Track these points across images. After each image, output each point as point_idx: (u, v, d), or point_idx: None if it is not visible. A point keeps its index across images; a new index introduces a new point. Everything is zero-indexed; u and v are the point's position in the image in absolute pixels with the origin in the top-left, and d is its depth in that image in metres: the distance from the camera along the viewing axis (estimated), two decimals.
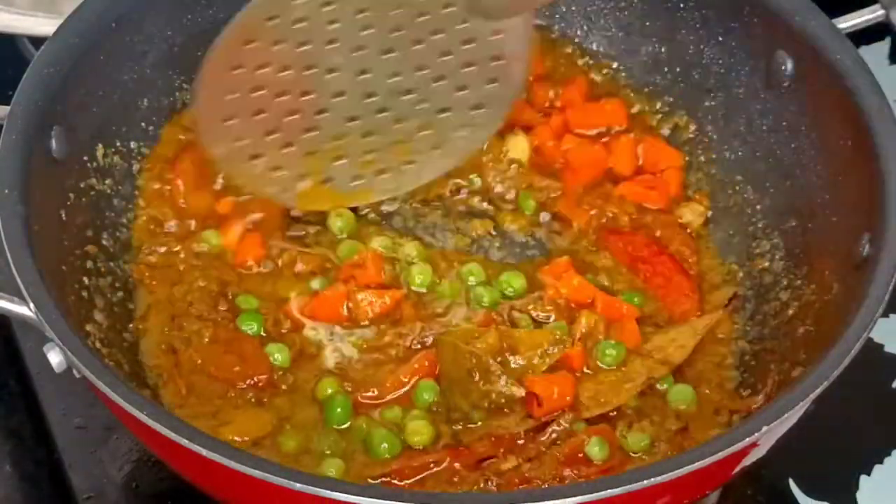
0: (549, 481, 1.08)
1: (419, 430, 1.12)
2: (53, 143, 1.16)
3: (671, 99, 1.34)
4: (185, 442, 0.97)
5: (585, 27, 1.37)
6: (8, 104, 1.14)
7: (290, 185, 1.21)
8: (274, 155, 1.19)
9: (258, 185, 1.22)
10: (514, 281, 1.22)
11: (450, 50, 1.17)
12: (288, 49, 1.15)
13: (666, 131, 1.34)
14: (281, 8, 1.13)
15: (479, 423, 1.12)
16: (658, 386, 1.17)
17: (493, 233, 1.28)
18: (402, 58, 1.17)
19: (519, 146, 1.31)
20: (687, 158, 1.32)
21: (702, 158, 1.32)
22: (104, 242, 1.21)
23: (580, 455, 1.10)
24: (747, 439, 0.98)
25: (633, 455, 1.12)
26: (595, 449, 1.11)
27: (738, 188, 1.29)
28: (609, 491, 0.95)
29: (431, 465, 1.10)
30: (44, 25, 1.36)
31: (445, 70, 1.18)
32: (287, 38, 1.14)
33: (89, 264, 1.18)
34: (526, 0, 1.15)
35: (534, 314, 1.20)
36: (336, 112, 1.19)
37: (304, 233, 1.26)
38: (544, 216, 1.29)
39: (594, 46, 1.37)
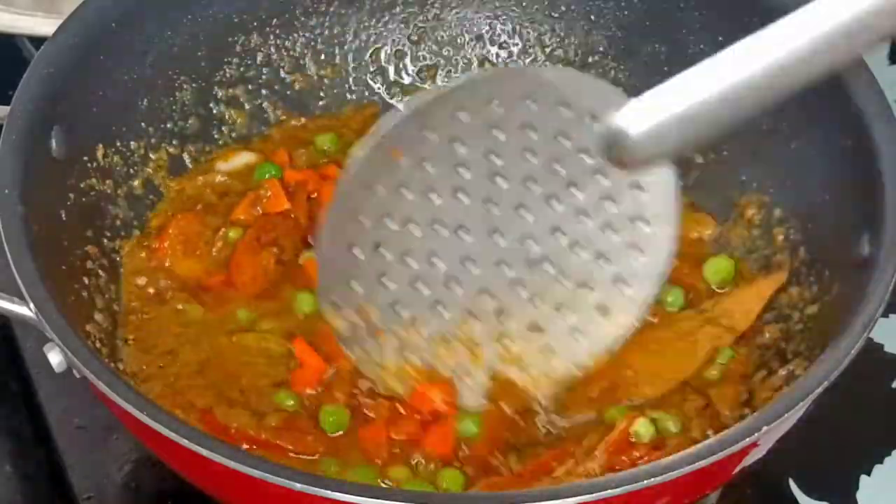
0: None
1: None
2: (53, 143, 1.16)
3: None
4: (185, 442, 0.97)
5: (586, 27, 1.38)
6: (8, 104, 1.14)
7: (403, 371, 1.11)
8: (395, 334, 1.09)
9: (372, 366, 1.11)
10: None
11: (586, 209, 1.06)
12: (411, 197, 1.04)
13: None
14: (407, 144, 1.02)
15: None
16: None
17: None
18: (537, 217, 1.06)
19: None
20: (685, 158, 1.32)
21: (699, 160, 1.32)
22: (104, 242, 1.21)
23: (627, 441, 1.10)
24: (747, 439, 0.98)
25: (668, 437, 1.12)
26: (643, 428, 1.11)
27: None
28: (609, 491, 0.95)
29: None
30: (44, 25, 1.36)
31: (582, 234, 1.06)
32: (410, 182, 1.03)
33: (89, 264, 1.18)
34: (662, 149, 0.92)
35: None
36: (466, 283, 1.07)
37: None
38: None
39: (595, 46, 1.38)
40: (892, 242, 1.07)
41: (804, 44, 0.87)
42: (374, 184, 1.04)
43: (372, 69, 1.38)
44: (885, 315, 1.06)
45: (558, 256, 1.07)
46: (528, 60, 1.38)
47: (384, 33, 1.38)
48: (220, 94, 1.33)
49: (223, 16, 1.32)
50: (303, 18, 1.36)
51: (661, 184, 1.06)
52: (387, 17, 1.38)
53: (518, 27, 1.39)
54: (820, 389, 1.01)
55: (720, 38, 1.28)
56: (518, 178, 1.05)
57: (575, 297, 1.10)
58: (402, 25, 1.38)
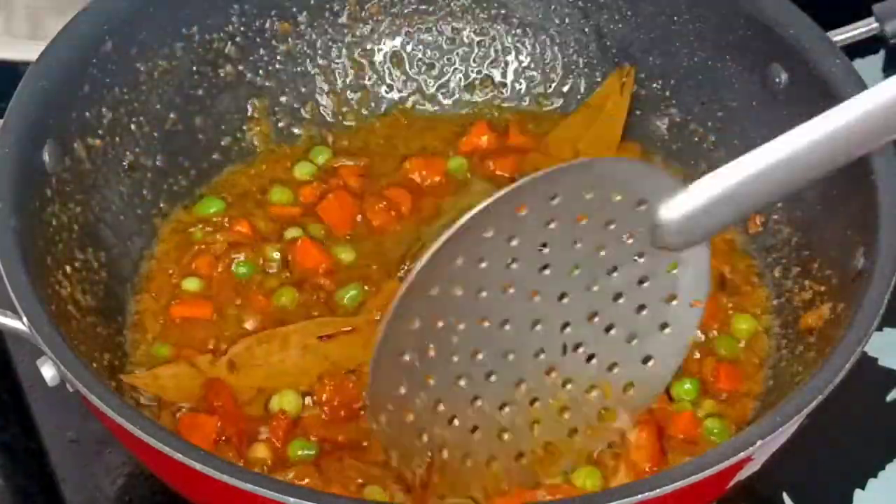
0: None
1: None
2: (46, 157, 1.16)
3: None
4: (178, 456, 0.96)
5: (583, 40, 1.38)
6: (1, 117, 1.14)
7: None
8: (438, 429, 1.08)
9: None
10: None
11: (623, 292, 1.07)
12: (460, 293, 1.03)
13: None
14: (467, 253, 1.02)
15: None
16: None
17: None
18: (576, 304, 1.07)
19: None
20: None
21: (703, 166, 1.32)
22: (99, 256, 1.21)
23: None
24: (742, 453, 0.98)
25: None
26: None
27: None
28: None
29: None
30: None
31: (617, 317, 1.08)
32: (463, 281, 1.03)
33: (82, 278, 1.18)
34: (700, 233, 1.04)
35: None
36: (505, 374, 1.07)
37: None
38: None
39: (590, 59, 1.38)
40: (887, 255, 1.08)
41: (817, 141, 0.99)
42: (430, 288, 1.03)
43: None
44: (879, 329, 1.06)
45: (592, 341, 1.08)
46: (522, 78, 1.39)
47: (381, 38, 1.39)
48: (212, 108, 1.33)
49: (219, 35, 1.31)
50: (298, 28, 1.36)
51: (695, 259, 1.07)
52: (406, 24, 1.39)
53: (512, 47, 1.39)
54: (815, 403, 1.00)
55: (715, 51, 1.31)
56: (564, 266, 1.06)
57: (604, 378, 1.10)
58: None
